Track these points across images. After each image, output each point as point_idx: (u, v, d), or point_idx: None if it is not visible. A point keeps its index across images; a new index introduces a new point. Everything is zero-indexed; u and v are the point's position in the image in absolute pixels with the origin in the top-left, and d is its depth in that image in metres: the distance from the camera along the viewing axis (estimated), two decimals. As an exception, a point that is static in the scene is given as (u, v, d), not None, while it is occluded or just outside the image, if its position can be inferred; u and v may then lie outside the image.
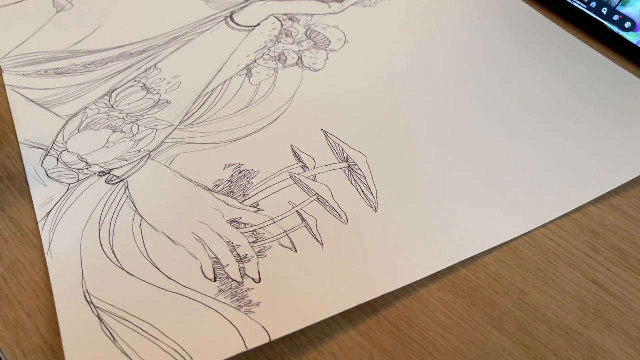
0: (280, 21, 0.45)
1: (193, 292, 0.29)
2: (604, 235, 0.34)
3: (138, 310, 0.28)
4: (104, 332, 0.27)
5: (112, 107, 0.38)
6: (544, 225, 0.34)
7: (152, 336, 0.27)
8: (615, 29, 0.45)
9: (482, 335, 0.29)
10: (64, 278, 0.29)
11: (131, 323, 0.27)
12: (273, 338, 0.27)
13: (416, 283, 0.30)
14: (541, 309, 0.30)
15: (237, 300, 0.29)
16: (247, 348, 0.27)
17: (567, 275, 0.32)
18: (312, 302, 0.29)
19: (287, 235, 0.32)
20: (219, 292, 0.29)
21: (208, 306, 0.28)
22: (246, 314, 0.28)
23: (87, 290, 0.28)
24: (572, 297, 0.31)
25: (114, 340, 0.27)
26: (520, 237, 0.33)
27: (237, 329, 0.27)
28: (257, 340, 0.27)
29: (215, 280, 0.29)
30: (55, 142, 0.35)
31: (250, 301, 0.29)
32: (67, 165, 0.34)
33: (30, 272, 0.30)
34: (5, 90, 0.38)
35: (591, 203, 0.35)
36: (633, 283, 0.32)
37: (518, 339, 0.29)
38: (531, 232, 0.33)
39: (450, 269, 0.31)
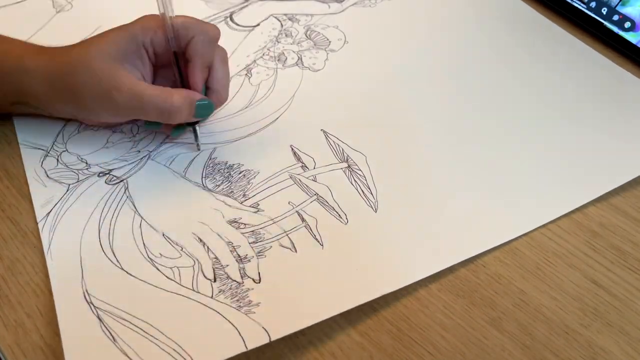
0: (280, 21, 0.45)
1: (193, 292, 0.29)
2: (604, 235, 0.34)
3: (138, 310, 0.28)
4: (104, 332, 0.27)
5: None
6: (544, 225, 0.34)
7: (152, 336, 0.27)
8: (615, 29, 0.45)
9: (482, 335, 0.29)
10: (63, 278, 0.29)
11: (131, 323, 0.27)
12: (273, 338, 0.27)
13: (416, 283, 0.30)
14: (541, 309, 0.30)
15: (237, 300, 0.29)
16: (247, 348, 0.27)
17: (567, 275, 0.32)
18: (312, 302, 0.29)
19: (287, 235, 0.32)
20: (219, 292, 0.29)
21: (208, 306, 0.28)
22: (246, 314, 0.28)
23: (86, 291, 0.28)
24: (572, 297, 0.31)
25: (114, 340, 0.27)
26: (520, 237, 0.33)
27: (237, 329, 0.27)
28: (257, 340, 0.27)
29: (215, 281, 0.29)
30: (55, 143, 0.35)
31: (250, 301, 0.29)
32: (66, 166, 0.34)
33: (30, 272, 0.30)
34: (5, 90, 0.38)
35: (591, 203, 0.35)
36: (633, 283, 0.32)
37: (518, 339, 0.29)
38: (531, 232, 0.33)
39: (450, 269, 0.31)
